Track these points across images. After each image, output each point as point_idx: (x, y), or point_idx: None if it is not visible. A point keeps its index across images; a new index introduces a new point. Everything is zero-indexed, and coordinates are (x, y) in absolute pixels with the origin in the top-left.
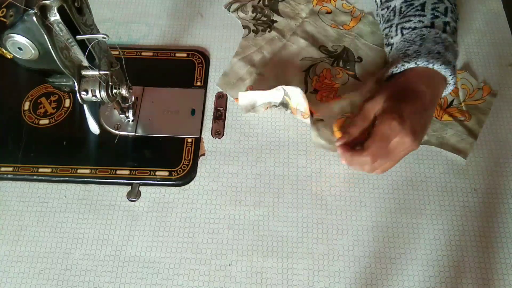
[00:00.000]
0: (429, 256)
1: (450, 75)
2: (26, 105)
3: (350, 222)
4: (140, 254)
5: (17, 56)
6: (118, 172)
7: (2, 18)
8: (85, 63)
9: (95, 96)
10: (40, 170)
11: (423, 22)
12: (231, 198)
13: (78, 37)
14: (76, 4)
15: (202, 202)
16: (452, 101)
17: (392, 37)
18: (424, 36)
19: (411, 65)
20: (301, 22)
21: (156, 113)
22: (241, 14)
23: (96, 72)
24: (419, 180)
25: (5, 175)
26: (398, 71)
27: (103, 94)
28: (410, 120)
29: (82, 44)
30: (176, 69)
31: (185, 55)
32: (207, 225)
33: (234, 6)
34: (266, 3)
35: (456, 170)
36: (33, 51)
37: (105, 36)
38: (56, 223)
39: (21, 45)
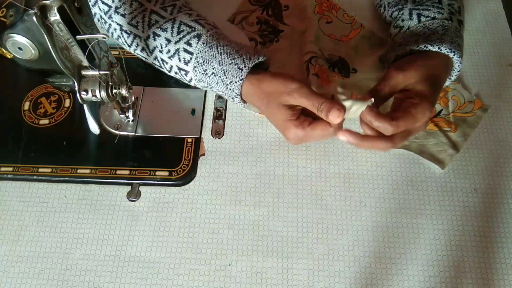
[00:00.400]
0: (429, 256)
1: (458, 71)
2: (26, 105)
3: (350, 222)
4: (140, 254)
5: (17, 56)
6: (118, 172)
7: (2, 18)
8: (85, 63)
9: (95, 96)
10: (40, 170)
11: (442, 14)
12: (231, 198)
13: (78, 37)
14: (76, 4)
15: (202, 202)
16: (441, 111)
17: (403, 20)
18: (446, 27)
19: (435, 48)
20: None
21: (156, 113)
22: (246, 26)
23: (96, 72)
24: (419, 180)
25: (5, 175)
26: (420, 49)
27: (103, 94)
28: None
29: (82, 44)
30: None
31: None
32: (207, 225)
33: (238, 17)
34: (270, 13)
35: (456, 170)
36: (33, 51)
37: (105, 36)
38: (56, 223)
39: (21, 45)
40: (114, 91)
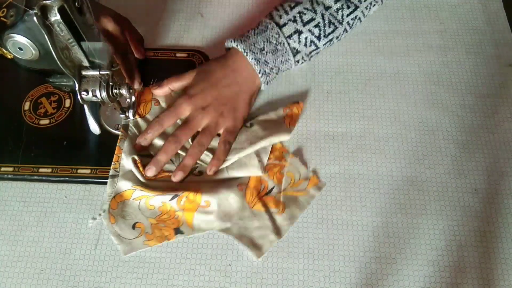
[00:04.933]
0: (429, 256)
1: (260, 72)
2: (27, 105)
3: (350, 222)
4: (140, 254)
5: (18, 56)
6: None
7: (2, 18)
8: (86, 63)
9: (96, 96)
10: (40, 170)
11: (280, 17)
12: None
13: (82, 43)
14: (76, 4)
15: None
16: (272, 188)
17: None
18: (265, 29)
19: (232, 44)
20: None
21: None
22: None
23: (96, 72)
24: (419, 180)
25: (5, 175)
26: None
27: (104, 94)
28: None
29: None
30: (176, 69)
31: (185, 55)
32: None
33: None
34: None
35: (456, 170)
36: (33, 51)
37: (106, 44)
38: (56, 223)
39: (21, 45)
40: (115, 91)
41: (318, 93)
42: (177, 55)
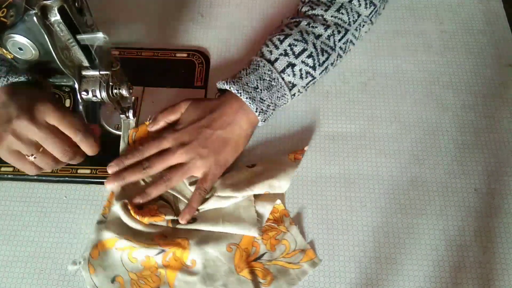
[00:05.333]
0: (429, 256)
1: (256, 110)
2: None
3: (350, 222)
4: None
5: (18, 56)
6: None
7: (2, 18)
8: (86, 63)
9: (96, 96)
10: None
11: (271, 53)
12: None
13: (79, 36)
14: (76, 4)
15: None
16: (263, 254)
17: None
18: (257, 68)
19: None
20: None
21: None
22: None
23: (96, 72)
24: (419, 180)
25: (5, 175)
26: (219, 87)
27: (104, 94)
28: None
29: (83, 45)
30: (176, 69)
31: (185, 55)
32: None
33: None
34: None
35: (456, 170)
36: (33, 51)
37: (105, 37)
38: (56, 223)
39: (21, 45)
40: (115, 91)
41: (318, 93)
42: (177, 55)
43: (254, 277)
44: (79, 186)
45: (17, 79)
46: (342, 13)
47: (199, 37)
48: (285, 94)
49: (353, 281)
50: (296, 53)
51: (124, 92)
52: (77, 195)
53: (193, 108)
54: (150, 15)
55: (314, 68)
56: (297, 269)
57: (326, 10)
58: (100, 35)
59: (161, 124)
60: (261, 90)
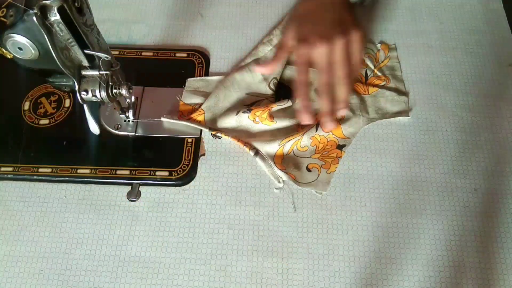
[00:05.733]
0: (429, 256)
1: None
2: (26, 105)
3: (350, 222)
4: (140, 254)
5: (17, 56)
6: (118, 172)
7: (2, 18)
8: (85, 63)
9: (95, 96)
10: (40, 170)
11: None
12: (231, 198)
13: (87, 51)
14: (76, 4)
15: (202, 202)
16: (366, 72)
17: None
18: None
19: None
20: (270, 49)
21: (156, 113)
22: None
23: (96, 72)
24: (419, 180)
25: (5, 175)
26: None
27: (103, 94)
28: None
29: (83, 44)
30: (176, 69)
31: (185, 55)
32: (207, 225)
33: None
34: None
35: (456, 170)
36: (33, 51)
37: (107, 56)
38: (56, 223)
39: (21, 45)
40: (114, 91)
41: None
42: (177, 55)
43: (377, 86)
44: (79, 186)
45: None
46: None
47: (199, 37)
48: None
49: (353, 281)
50: None
51: (124, 92)
52: (77, 195)
53: (293, 19)
54: (150, 15)
55: None
56: (389, 61)
57: None
58: (102, 54)
59: (274, 66)
60: None
